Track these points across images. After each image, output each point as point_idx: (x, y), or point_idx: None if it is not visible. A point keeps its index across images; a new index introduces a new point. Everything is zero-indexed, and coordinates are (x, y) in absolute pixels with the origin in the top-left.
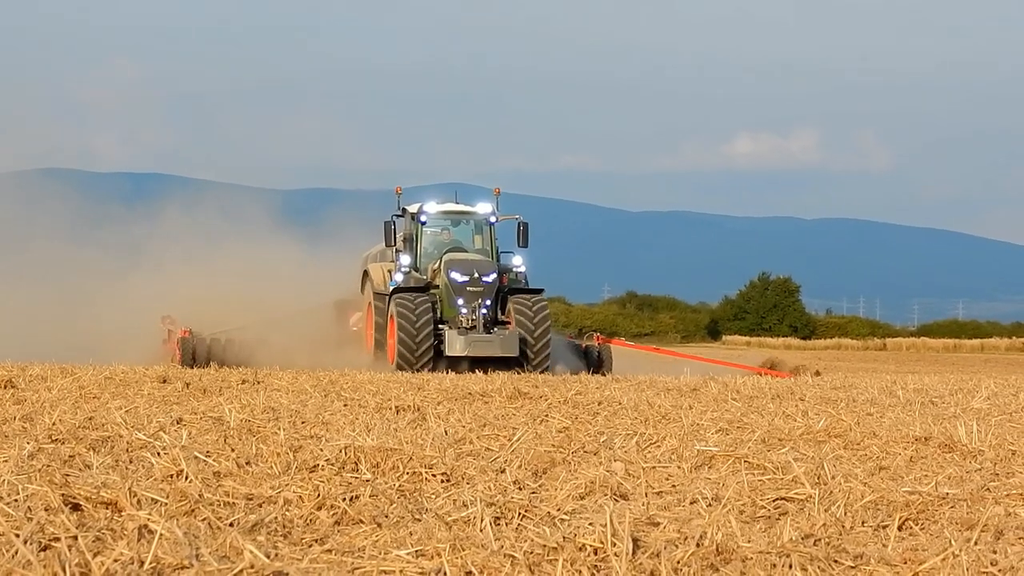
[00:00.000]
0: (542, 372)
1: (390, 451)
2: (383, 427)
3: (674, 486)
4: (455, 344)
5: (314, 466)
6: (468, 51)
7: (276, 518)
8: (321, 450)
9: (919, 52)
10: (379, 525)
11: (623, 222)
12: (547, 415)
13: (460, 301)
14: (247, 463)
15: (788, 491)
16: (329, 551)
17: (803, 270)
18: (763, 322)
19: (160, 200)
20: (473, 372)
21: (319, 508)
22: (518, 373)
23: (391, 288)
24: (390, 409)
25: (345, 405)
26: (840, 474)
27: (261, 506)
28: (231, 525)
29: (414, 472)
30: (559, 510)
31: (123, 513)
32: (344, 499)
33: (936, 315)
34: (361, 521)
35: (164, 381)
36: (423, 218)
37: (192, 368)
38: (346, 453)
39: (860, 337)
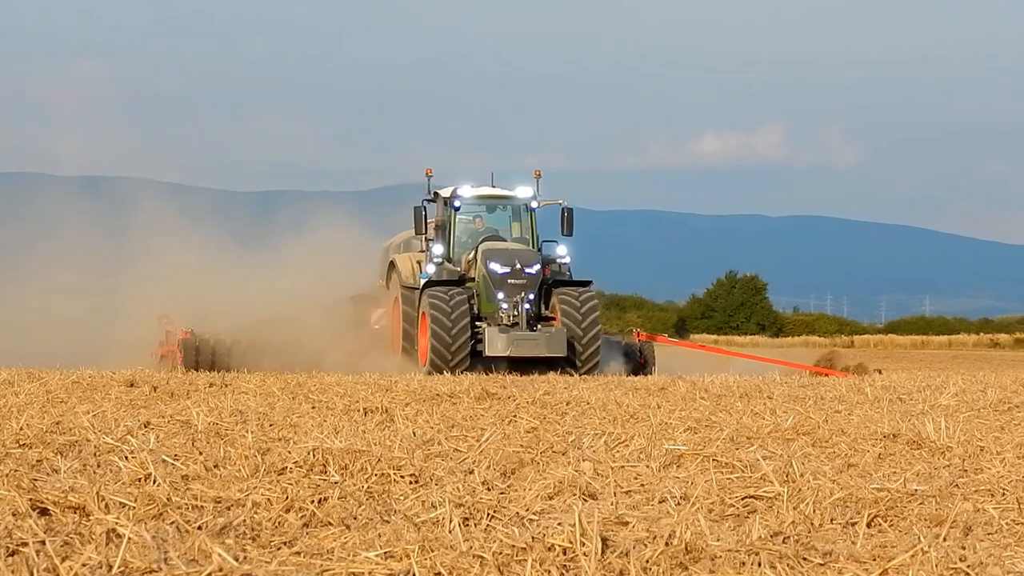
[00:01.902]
0: (591, 373)
1: (358, 453)
2: (351, 429)
3: (643, 485)
4: (495, 343)
5: (282, 468)
6: (433, 50)
7: (244, 521)
8: (289, 452)
9: (884, 48)
10: (348, 527)
11: (589, 221)
12: (515, 415)
13: (500, 295)
14: (215, 466)
15: (757, 489)
16: (298, 553)
17: (770, 268)
18: (731, 320)
19: (128, 204)
20: (511, 373)
21: (287, 510)
22: (564, 373)
23: (422, 281)
24: (358, 411)
25: (313, 407)
26: (809, 472)
27: (229, 509)
28: (199, 528)
29: (382, 474)
30: (528, 510)
31: (91, 517)
32: (312, 501)
33: (903, 312)
34: (330, 523)
35: (131, 385)
36: (457, 203)
37: (196, 372)
38: (314, 455)
39: (828, 335)
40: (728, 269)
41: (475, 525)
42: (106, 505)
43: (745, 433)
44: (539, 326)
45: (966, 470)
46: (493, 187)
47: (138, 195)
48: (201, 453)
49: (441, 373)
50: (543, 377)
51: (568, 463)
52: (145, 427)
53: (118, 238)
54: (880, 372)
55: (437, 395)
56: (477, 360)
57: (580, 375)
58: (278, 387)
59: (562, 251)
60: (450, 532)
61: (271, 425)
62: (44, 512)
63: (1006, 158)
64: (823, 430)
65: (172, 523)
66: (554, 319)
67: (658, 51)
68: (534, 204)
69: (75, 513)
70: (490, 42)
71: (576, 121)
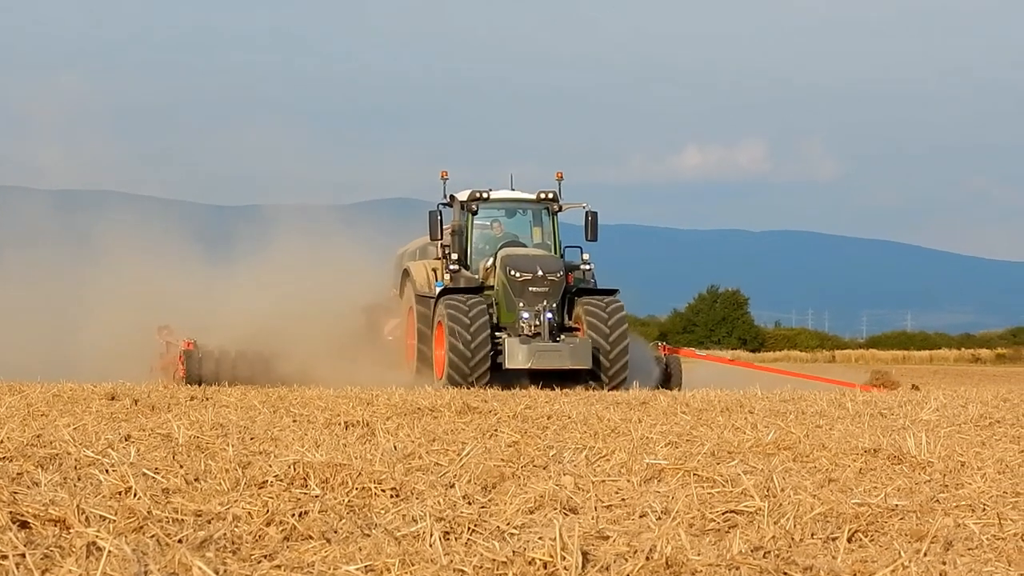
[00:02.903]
0: (620, 388)
1: (339, 466)
2: (332, 442)
3: (623, 500)
4: (516, 354)
5: (263, 482)
6: (413, 62)
7: (225, 534)
8: (270, 466)
9: (866, 63)
10: (328, 541)
11: (569, 235)
12: (496, 429)
13: (521, 304)
14: (196, 479)
15: (737, 504)
16: (278, 567)
17: (751, 282)
18: (712, 335)
19: (106, 217)
20: (535, 387)
21: (268, 524)
22: (590, 388)
23: (438, 289)
24: (339, 424)
25: (294, 421)
26: (789, 486)
27: (210, 522)
28: (180, 542)
29: (363, 487)
30: (508, 524)
31: (71, 530)
32: (293, 515)
33: (885, 326)
34: (310, 537)
35: (112, 398)
36: (475, 207)
37: (199, 385)
38: (295, 469)
39: (809, 349)
40: (710, 284)
41: (456, 539)
42: (86, 518)
43: (726, 447)
44: (562, 336)
45: (947, 485)
46: (512, 190)
47: (116, 208)
48: (182, 466)
49: (459, 387)
50: (524, 391)
51: (549, 477)
52: (126, 440)
53: (96, 250)
54: (916, 388)
55: (418, 409)
56: (497, 373)
57: (608, 390)
58: (259, 400)
59: (586, 257)
60: (430, 546)
61: (252, 438)
62: (24, 525)
63: (988, 173)
64: (804, 445)
65: (152, 536)
66: (578, 329)
67: (639, 65)
68: (556, 208)
69: (55, 526)
70: (471, 54)
71: (556, 134)
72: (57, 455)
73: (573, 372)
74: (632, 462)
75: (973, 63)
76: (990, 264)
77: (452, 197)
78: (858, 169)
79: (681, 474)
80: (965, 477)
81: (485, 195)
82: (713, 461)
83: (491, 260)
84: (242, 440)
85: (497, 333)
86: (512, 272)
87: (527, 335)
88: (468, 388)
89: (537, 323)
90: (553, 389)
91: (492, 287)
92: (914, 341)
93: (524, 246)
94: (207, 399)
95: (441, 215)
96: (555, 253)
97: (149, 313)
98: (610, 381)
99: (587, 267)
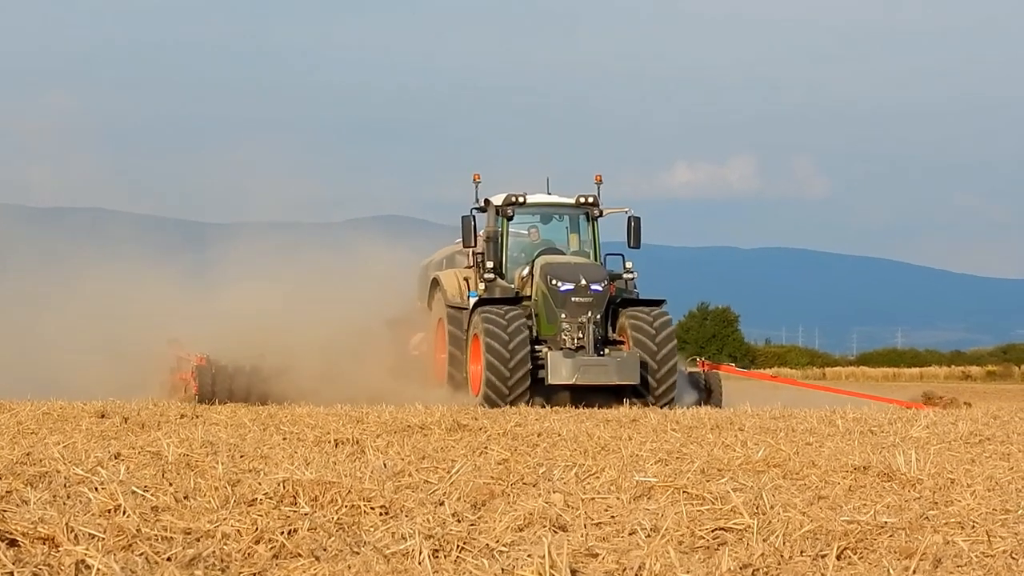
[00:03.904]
0: (669, 406)
1: (329, 484)
2: (322, 460)
3: (613, 517)
4: (559, 369)
5: (252, 500)
6: (399, 79)
7: (214, 552)
8: (259, 484)
9: (855, 82)
10: (317, 559)
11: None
12: (486, 447)
13: (563, 315)
14: (185, 497)
15: (727, 521)
16: None
17: (742, 300)
18: (702, 352)
19: (100, 234)
20: (577, 406)
21: (257, 542)
22: (634, 405)
23: (472, 300)
24: (329, 442)
25: (284, 438)
26: (779, 504)
27: (199, 540)
28: (169, 560)
29: (353, 505)
30: (498, 542)
31: (60, 548)
32: (282, 533)
33: (875, 343)
34: (299, 555)
35: (102, 416)
36: (510, 211)
37: (212, 403)
38: (284, 487)
39: (799, 367)
40: (700, 301)
41: (445, 557)
42: (75, 536)
43: (716, 465)
44: (607, 350)
45: (936, 502)
46: (548, 194)
47: (111, 226)
48: (171, 484)
49: (497, 406)
50: (514, 409)
51: (538, 495)
52: (115, 458)
53: (88, 268)
54: (969, 405)
55: (408, 426)
56: (537, 388)
57: (657, 406)
58: (249, 418)
59: (629, 265)
60: (420, 564)
61: (242, 456)
62: (13, 543)
63: (977, 191)
64: (794, 462)
65: (141, 554)
66: (623, 343)
67: (630, 81)
68: (596, 213)
69: (44, 544)
70: (455, 70)
71: (546, 151)
72: (47, 473)
73: (617, 388)
74: (622, 479)
75: (963, 81)
76: (980, 281)
77: (487, 201)
78: (848, 186)
79: (671, 491)
80: (954, 494)
81: (521, 199)
82: (703, 478)
83: (527, 269)
84: (232, 458)
85: (536, 347)
86: (553, 281)
87: (570, 348)
88: (506, 407)
89: (580, 336)
90: (594, 407)
91: (529, 297)
92: (904, 358)
93: (562, 253)
94: (197, 417)
95: (475, 221)
96: (595, 261)
97: (146, 330)
98: (658, 400)
99: (630, 276)
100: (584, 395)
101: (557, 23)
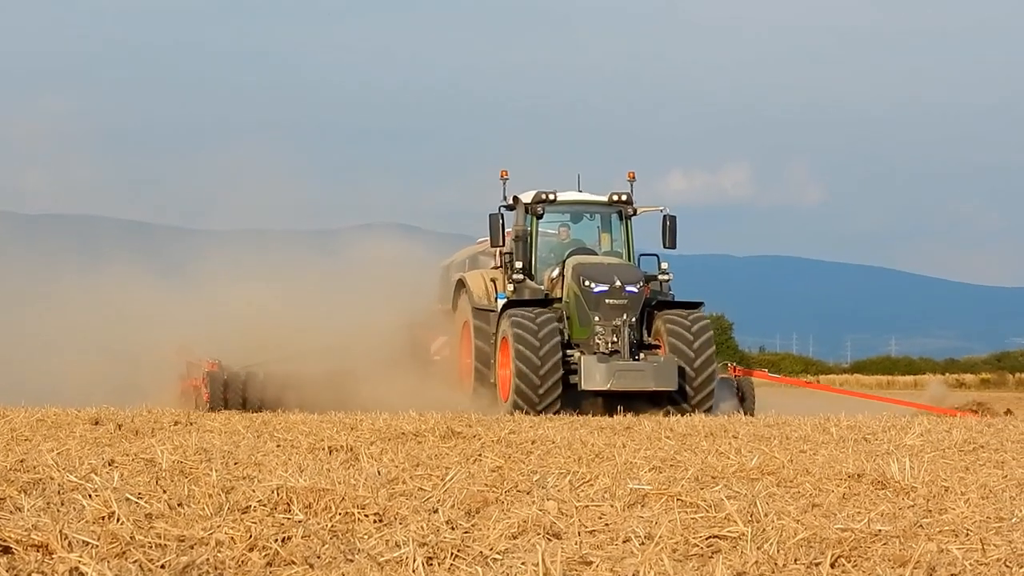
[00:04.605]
0: (707, 413)
1: (322, 491)
2: (316, 467)
3: (607, 525)
4: (593, 375)
5: (246, 507)
6: (401, 82)
7: (208, 560)
8: (253, 491)
9: (849, 89)
10: (311, 566)
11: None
12: (480, 454)
13: (597, 318)
14: (179, 504)
15: (721, 529)
16: None
17: (736, 307)
18: None
19: (96, 242)
20: (612, 414)
21: (251, 549)
22: (667, 414)
23: (500, 302)
24: (323, 449)
25: (278, 446)
26: (773, 511)
27: (193, 548)
28: (162, 567)
29: (346, 512)
30: (492, 550)
31: (54, 556)
32: (276, 540)
33: (869, 351)
34: (293, 562)
35: (96, 423)
36: (540, 210)
37: (224, 410)
38: (278, 494)
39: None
40: None
41: (439, 564)
42: (69, 543)
43: (710, 472)
44: (643, 355)
45: (930, 510)
46: (580, 192)
47: (106, 233)
48: (165, 491)
49: (527, 413)
50: (508, 416)
51: (532, 502)
52: (109, 465)
53: (86, 274)
54: (1010, 413)
55: (402, 434)
56: (570, 394)
57: (695, 412)
58: (243, 425)
59: (664, 266)
60: (413, 572)
61: (236, 463)
62: (6, 550)
63: (972, 199)
64: (788, 470)
65: (135, 562)
66: (659, 347)
67: (624, 89)
68: (630, 211)
69: (38, 551)
70: (455, 76)
71: (540, 159)
72: (40, 480)
73: (653, 395)
74: (616, 487)
75: (958, 88)
76: (974, 289)
77: (516, 199)
78: (842, 194)
79: (665, 499)
80: (949, 502)
81: (552, 197)
82: (697, 486)
83: (557, 269)
84: (226, 465)
85: (568, 351)
86: (586, 283)
87: (604, 353)
88: (537, 414)
89: (615, 339)
90: (625, 415)
91: (559, 299)
92: (898, 366)
93: (594, 253)
94: (191, 424)
95: (503, 219)
96: (629, 261)
97: (141, 333)
98: (695, 408)
99: (665, 277)
100: (618, 402)
101: (554, 30)
